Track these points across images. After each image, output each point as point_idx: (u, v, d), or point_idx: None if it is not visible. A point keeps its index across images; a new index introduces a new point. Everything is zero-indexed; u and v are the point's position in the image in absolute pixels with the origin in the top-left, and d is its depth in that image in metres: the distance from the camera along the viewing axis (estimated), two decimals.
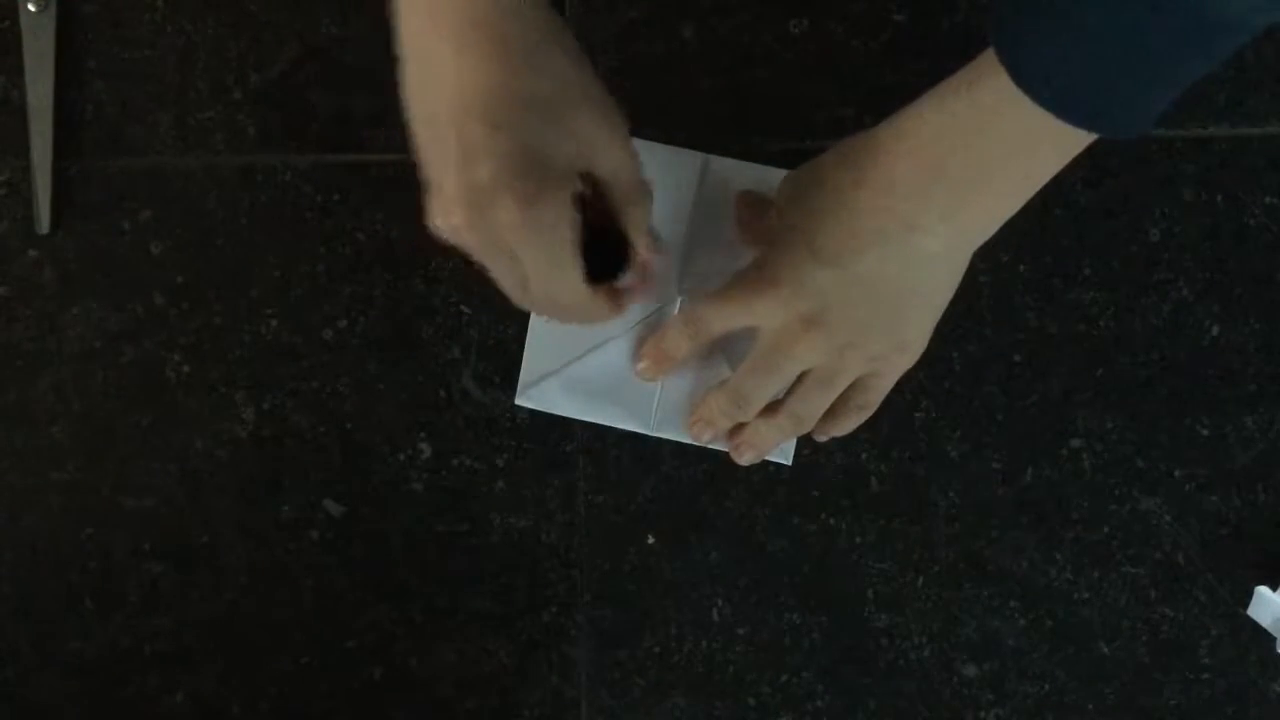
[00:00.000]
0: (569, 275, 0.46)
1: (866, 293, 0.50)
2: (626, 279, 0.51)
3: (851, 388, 0.55)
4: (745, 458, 0.58)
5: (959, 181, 0.46)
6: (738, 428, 0.58)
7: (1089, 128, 0.43)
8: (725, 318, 0.54)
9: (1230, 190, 0.62)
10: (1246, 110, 0.62)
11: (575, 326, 0.59)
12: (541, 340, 0.60)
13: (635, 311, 0.59)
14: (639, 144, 0.59)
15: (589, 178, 0.45)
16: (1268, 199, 0.62)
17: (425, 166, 0.44)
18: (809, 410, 0.55)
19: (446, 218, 0.44)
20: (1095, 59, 0.41)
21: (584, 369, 0.60)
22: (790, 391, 0.55)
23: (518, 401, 0.61)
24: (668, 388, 0.60)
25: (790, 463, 0.61)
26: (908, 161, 0.47)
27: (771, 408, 0.56)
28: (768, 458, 0.60)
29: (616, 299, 0.51)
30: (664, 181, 0.59)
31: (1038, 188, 0.46)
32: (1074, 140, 0.44)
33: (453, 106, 0.42)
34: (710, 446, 0.60)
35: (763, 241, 0.55)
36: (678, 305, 0.59)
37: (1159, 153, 0.62)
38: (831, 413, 0.56)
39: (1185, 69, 0.41)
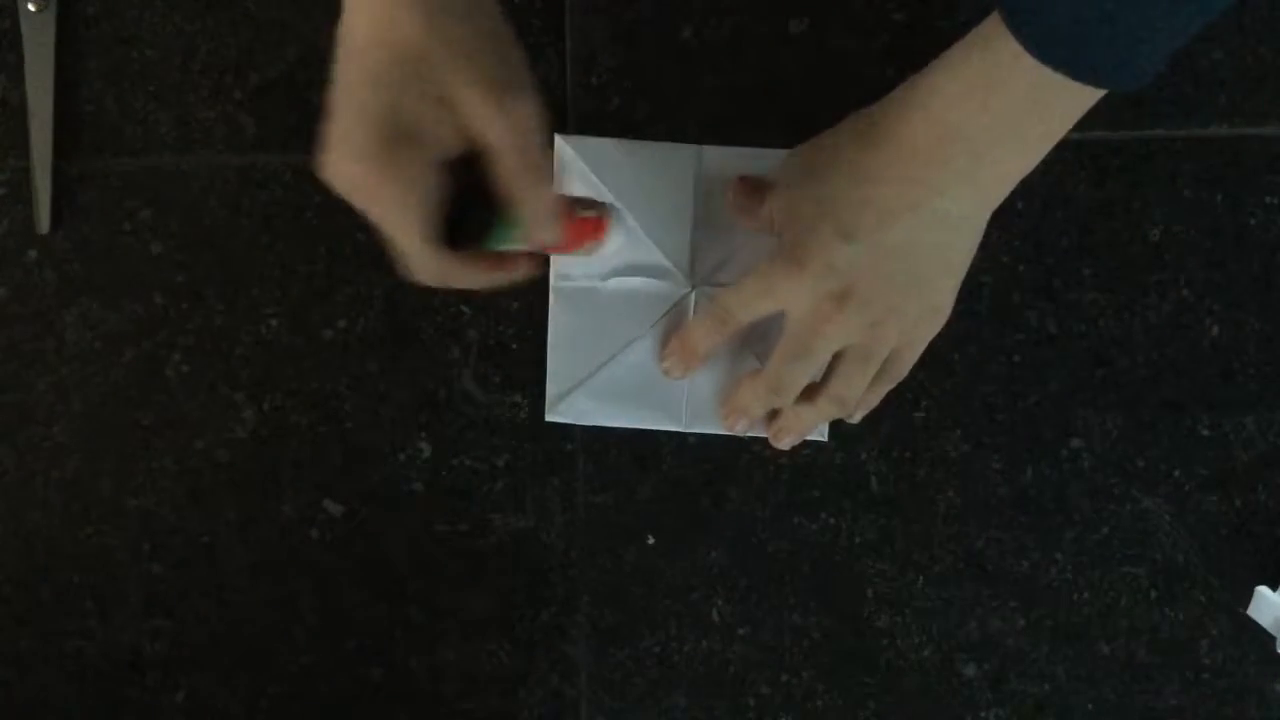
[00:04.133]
0: (414, 239, 0.44)
1: (895, 264, 0.50)
2: (511, 245, 0.48)
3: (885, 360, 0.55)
4: (785, 442, 0.58)
5: (978, 143, 0.46)
6: (774, 412, 0.58)
7: (1099, 84, 0.43)
8: (752, 305, 0.53)
9: (1230, 190, 0.62)
10: (1246, 110, 0.62)
11: (591, 336, 0.59)
12: (562, 353, 0.60)
13: (653, 310, 0.59)
14: (632, 145, 0.59)
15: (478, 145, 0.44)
16: (1268, 199, 0.62)
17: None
18: (851, 390, 0.55)
19: (317, 156, 0.44)
20: (1102, 14, 0.41)
21: (609, 375, 0.60)
22: (829, 372, 0.55)
23: (549, 418, 0.61)
24: (696, 382, 0.60)
25: (827, 439, 0.60)
26: (925, 128, 0.47)
27: (809, 391, 0.56)
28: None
29: (502, 265, 0.48)
30: (661, 178, 0.59)
31: (1055, 142, 0.47)
32: (1088, 94, 0.44)
33: (349, 49, 0.42)
34: (747, 435, 0.60)
35: (762, 225, 0.55)
36: (692, 299, 0.59)
37: (1159, 153, 0.62)
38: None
39: (1195, 15, 0.41)
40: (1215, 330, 0.62)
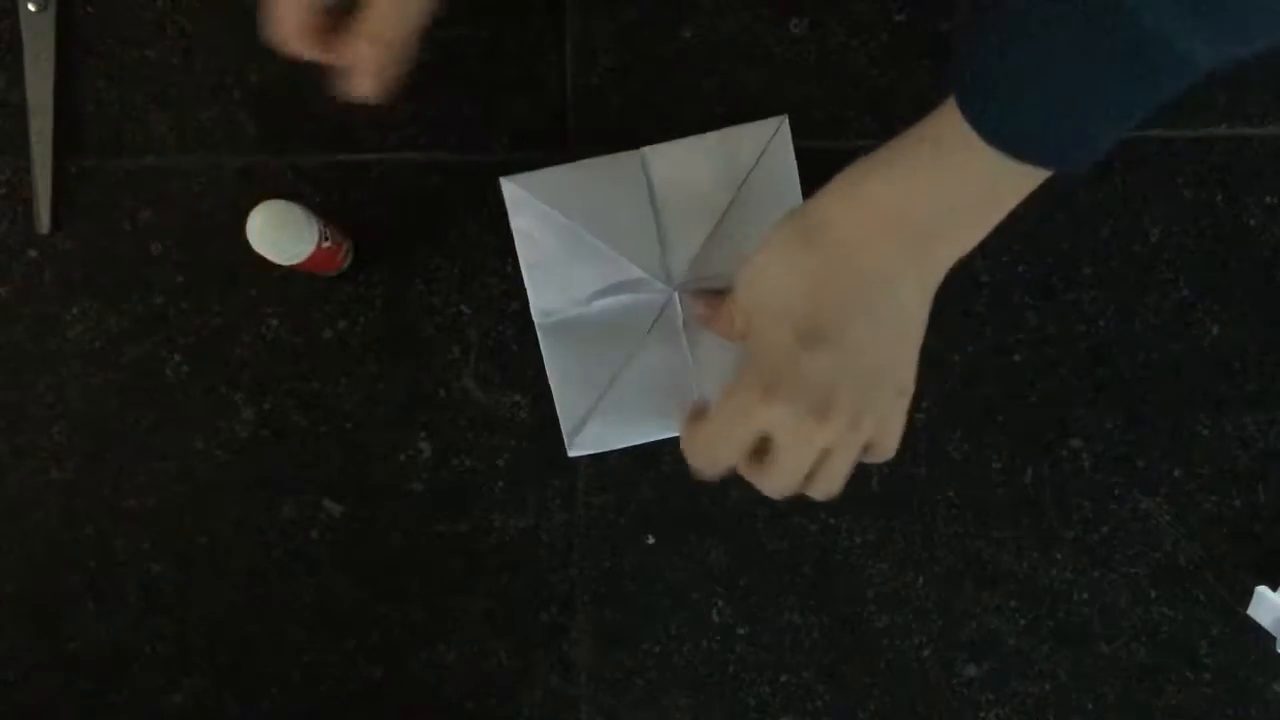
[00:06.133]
0: None
1: (863, 360, 0.49)
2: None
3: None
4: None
5: (927, 228, 0.47)
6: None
7: (1053, 168, 0.44)
8: (738, 435, 0.51)
9: (1230, 190, 0.62)
10: (1246, 110, 0.62)
11: (590, 364, 0.58)
12: (566, 387, 0.60)
13: (641, 323, 0.59)
14: (577, 167, 0.59)
15: None
16: (1268, 199, 0.62)
17: None
18: (835, 484, 0.53)
19: None
20: (1059, 107, 0.42)
21: (617, 397, 0.60)
22: (814, 467, 0.53)
23: (571, 454, 0.60)
24: (701, 381, 0.59)
25: None
26: (872, 220, 0.47)
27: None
28: None
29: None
30: (615, 193, 0.59)
31: (999, 220, 0.48)
32: (1035, 177, 0.45)
33: None
34: None
35: (734, 335, 0.54)
36: (676, 301, 0.59)
37: (1159, 153, 0.62)
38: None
39: (1144, 106, 0.43)
40: (1215, 330, 0.62)
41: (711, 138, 0.59)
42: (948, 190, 0.46)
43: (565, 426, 0.60)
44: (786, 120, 0.59)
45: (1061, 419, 0.62)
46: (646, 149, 0.59)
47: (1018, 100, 0.43)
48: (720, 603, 0.63)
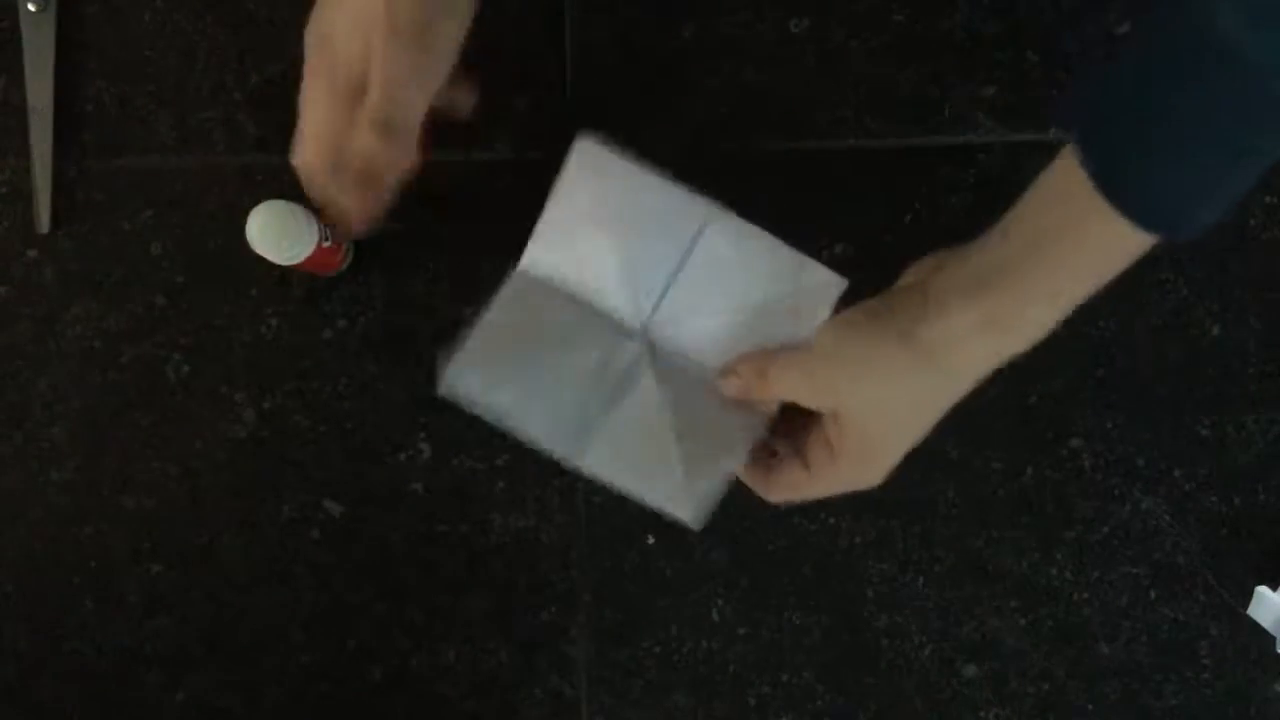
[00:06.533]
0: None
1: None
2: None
3: None
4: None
5: (1046, 325, 0.48)
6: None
7: (1188, 238, 0.44)
8: (841, 489, 0.54)
9: None
10: None
11: (530, 329, 0.55)
12: (494, 330, 0.55)
13: (598, 339, 0.55)
14: (647, 179, 0.55)
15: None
16: (1268, 199, 0.62)
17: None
18: None
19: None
20: (1217, 178, 0.42)
21: (525, 369, 0.55)
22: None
23: (442, 389, 0.55)
24: (613, 430, 0.56)
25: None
26: (1002, 343, 0.48)
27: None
28: None
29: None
30: (663, 222, 0.54)
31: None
32: (1149, 244, 0.45)
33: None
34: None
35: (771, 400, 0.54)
36: (638, 346, 0.55)
37: None
38: None
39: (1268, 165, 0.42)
40: (1215, 330, 0.62)
41: (775, 244, 0.54)
42: (1081, 287, 0.46)
43: (456, 359, 0.54)
44: (844, 284, 0.54)
45: (1061, 419, 0.62)
46: (716, 213, 0.54)
47: (1179, 183, 0.42)
48: (720, 603, 0.63)
